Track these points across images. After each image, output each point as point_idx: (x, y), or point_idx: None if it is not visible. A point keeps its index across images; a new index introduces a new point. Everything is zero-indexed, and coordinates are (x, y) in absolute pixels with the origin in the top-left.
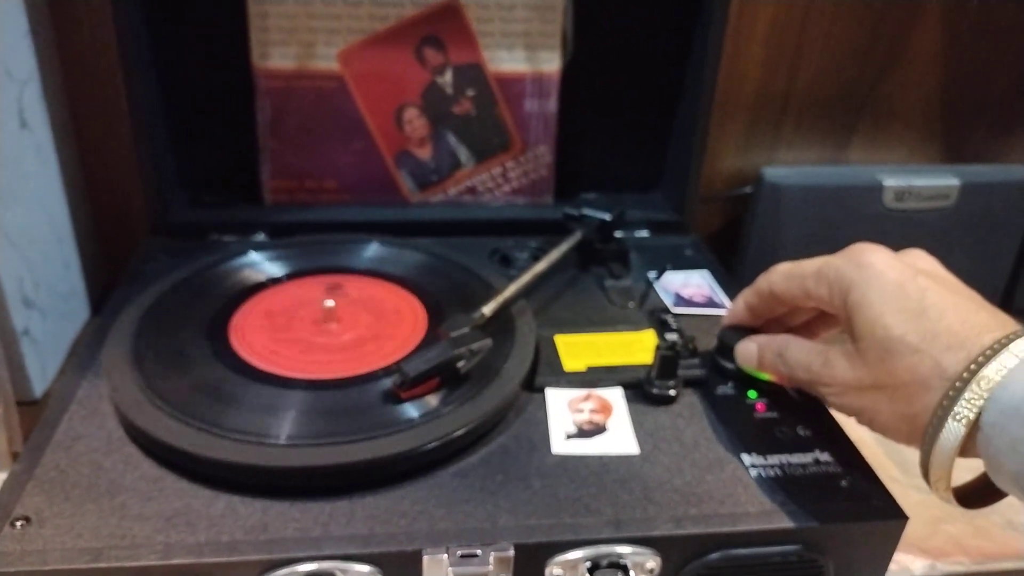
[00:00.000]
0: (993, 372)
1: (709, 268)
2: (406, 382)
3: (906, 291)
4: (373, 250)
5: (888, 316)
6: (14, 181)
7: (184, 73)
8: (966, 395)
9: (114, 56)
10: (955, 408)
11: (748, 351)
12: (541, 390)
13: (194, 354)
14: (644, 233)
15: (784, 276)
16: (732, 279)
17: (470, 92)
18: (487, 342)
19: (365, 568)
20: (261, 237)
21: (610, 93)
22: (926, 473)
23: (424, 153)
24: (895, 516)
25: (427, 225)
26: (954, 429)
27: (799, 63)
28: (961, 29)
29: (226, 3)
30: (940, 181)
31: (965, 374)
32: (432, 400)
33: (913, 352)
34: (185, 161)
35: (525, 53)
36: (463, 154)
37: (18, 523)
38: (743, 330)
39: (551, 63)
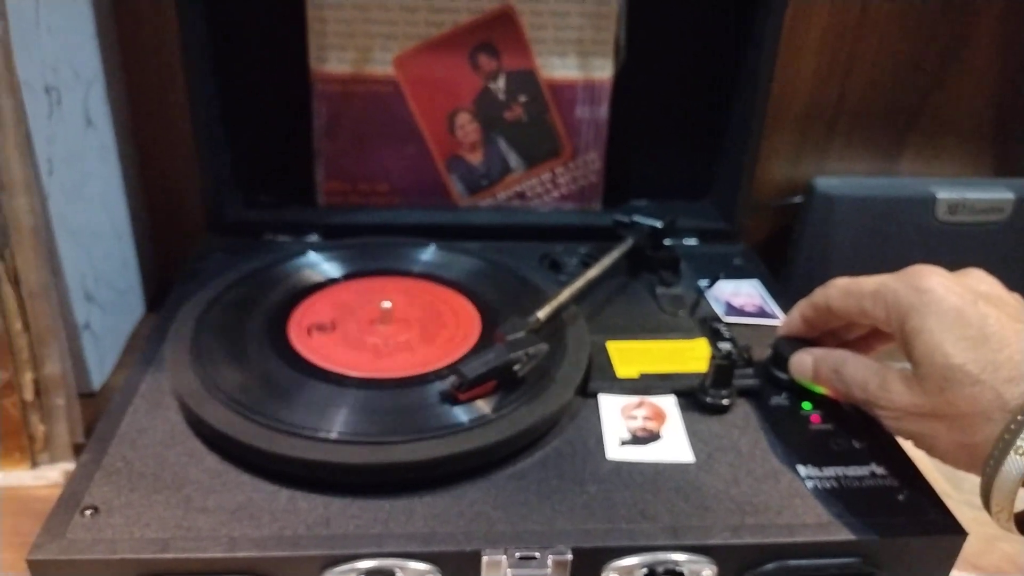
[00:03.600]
0: None
1: (759, 277)
2: (464, 383)
3: (967, 318)
4: (430, 253)
5: (948, 344)
6: (79, 178)
7: (243, 75)
8: None
9: (176, 57)
10: (1017, 441)
11: (803, 363)
12: (594, 396)
13: (255, 350)
14: (693, 241)
15: (841, 292)
16: (782, 289)
17: (522, 98)
18: (543, 347)
19: (424, 566)
20: (314, 237)
21: (661, 100)
22: (987, 503)
23: (475, 158)
24: (954, 531)
25: (476, 229)
26: (1016, 463)
27: (851, 73)
28: (1015, 40)
29: (286, 6)
30: (994, 195)
31: None
32: (488, 403)
33: (974, 383)
34: (241, 161)
35: (578, 60)
36: (513, 159)
37: (87, 512)
38: (798, 341)
39: (603, 70)
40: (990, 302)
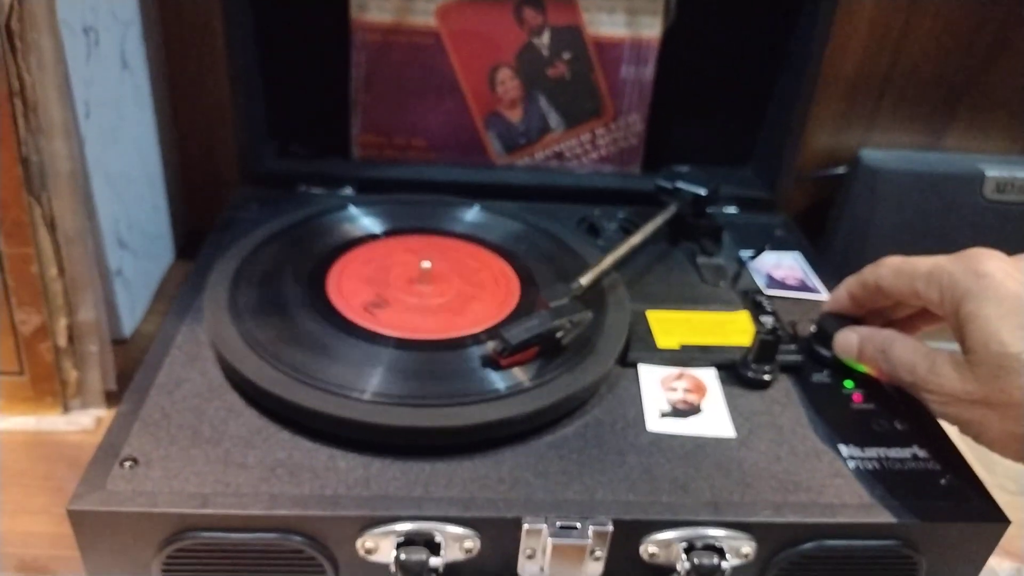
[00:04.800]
0: None
1: (801, 250)
2: (507, 349)
3: None
4: (472, 214)
5: (1005, 332)
6: (115, 121)
7: (281, 21)
8: None
9: (213, 1)
10: None
11: (848, 342)
12: (633, 366)
13: (295, 307)
14: (732, 209)
15: (893, 272)
16: (823, 263)
17: (566, 55)
18: (588, 314)
19: (464, 531)
20: (348, 191)
21: (708, 63)
22: None
23: (514, 115)
24: (996, 519)
25: (512, 189)
26: None
27: (903, 44)
28: None
29: None
30: None
31: None
32: (529, 369)
33: None
34: (276, 110)
35: (626, 17)
36: (553, 118)
37: (127, 463)
38: (843, 318)
39: (652, 29)
40: None
